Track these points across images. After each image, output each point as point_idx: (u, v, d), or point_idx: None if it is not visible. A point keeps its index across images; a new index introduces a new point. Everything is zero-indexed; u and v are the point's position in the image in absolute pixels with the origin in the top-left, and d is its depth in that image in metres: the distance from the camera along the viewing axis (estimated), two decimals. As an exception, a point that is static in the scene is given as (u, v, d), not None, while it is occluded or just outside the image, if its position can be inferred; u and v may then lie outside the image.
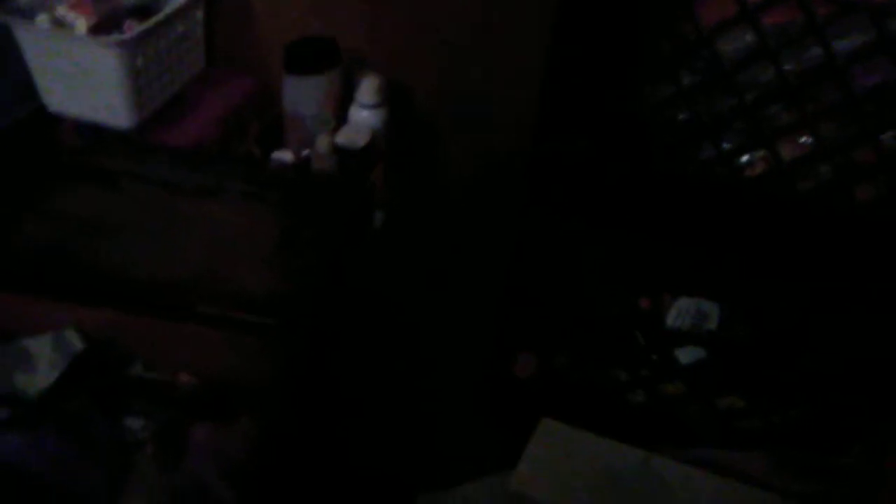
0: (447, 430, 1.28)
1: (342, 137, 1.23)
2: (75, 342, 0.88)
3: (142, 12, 1.18)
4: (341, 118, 1.29)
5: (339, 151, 1.22)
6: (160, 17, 1.12)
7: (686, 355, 1.09)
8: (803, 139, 0.85)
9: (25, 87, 1.13)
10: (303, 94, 1.26)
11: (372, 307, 1.26)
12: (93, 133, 1.13)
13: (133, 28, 1.12)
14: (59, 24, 1.08)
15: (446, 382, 1.33)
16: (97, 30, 1.10)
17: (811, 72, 0.81)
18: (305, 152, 1.24)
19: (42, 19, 1.07)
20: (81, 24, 1.08)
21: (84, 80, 1.10)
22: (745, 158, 0.88)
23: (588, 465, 1.05)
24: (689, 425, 1.14)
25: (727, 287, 1.02)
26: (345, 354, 1.14)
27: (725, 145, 0.87)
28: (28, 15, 1.07)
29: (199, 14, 1.25)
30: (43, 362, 0.86)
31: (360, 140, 1.23)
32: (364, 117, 1.27)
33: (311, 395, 1.01)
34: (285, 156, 1.24)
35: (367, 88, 1.25)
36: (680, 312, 1.06)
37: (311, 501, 1.01)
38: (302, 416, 0.99)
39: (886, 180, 0.86)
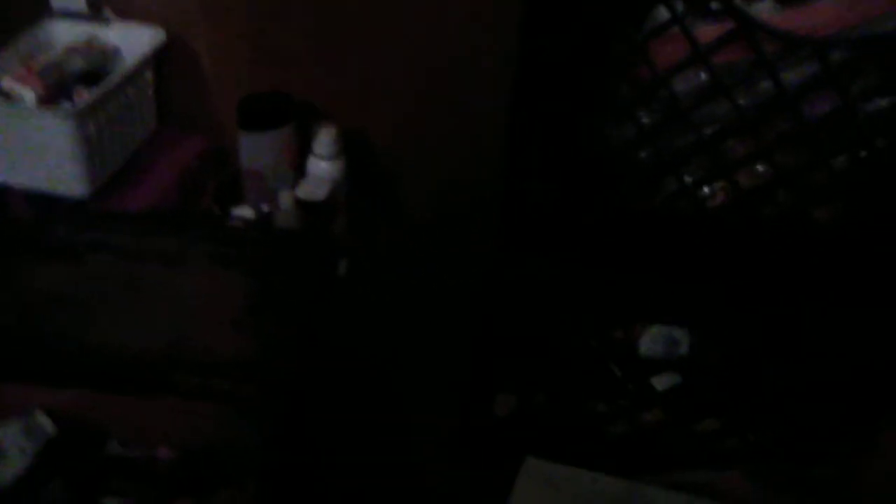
0: (429, 474, 1.27)
1: (302, 191, 1.22)
2: (46, 426, 0.86)
3: (89, 78, 1.16)
4: (299, 170, 1.29)
5: (301, 205, 1.22)
6: (110, 83, 1.10)
7: (661, 383, 1.11)
8: (760, 168, 0.89)
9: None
10: (259, 150, 1.26)
11: (343, 357, 1.25)
12: (45, 204, 1.10)
13: (83, 96, 1.11)
14: (5, 96, 1.06)
15: (425, 426, 1.32)
16: (46, 100, 1.08)
17: (764, 104, 0.84)
18: (265, 207, 1.23)
19: (-11, 92, 1.04)
20: (29, 95, 1.07)
21: (34, 150, 1.07)
22: (706, 190, 0.91)
23: (575, 500, 1.06)
24: (670, 450, 1.15)
25: (696, 314, 1.04)
26: (321, 409, 1.12)
27: (687, 179, 0.90)
28: (-28, 89, 1.05)
29: (149, 75, 1.24)
30: (13, 450, 0.83)
31: (321, 192, 1.22)
32: (322, 168, 1.26)
33: (292, 455, 0.99)
34: (245, 212, 1.23)
35: (324, 139, 1.25)
36: (653, 340, 1.08)
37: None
38: (286, 478, 0.97)
39: (841, 201, 0.90)
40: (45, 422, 0.86)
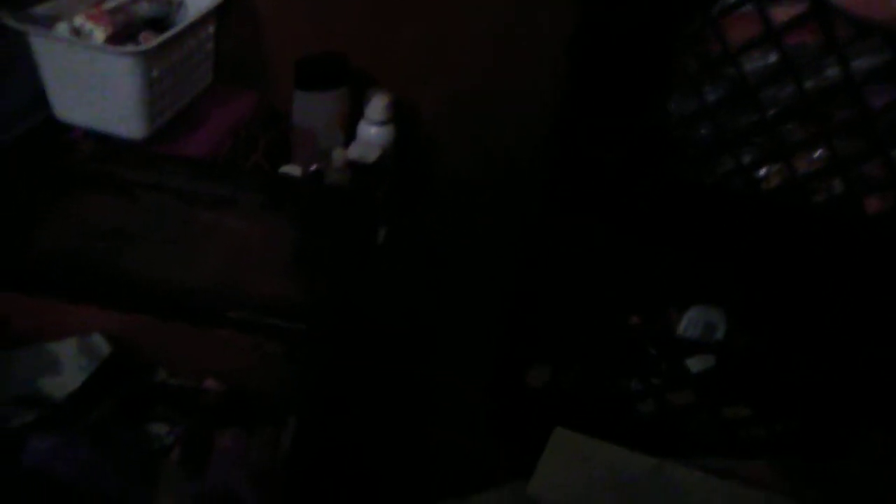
0: (458, 442, 1.28)
1: (354, 152, 1.24)
2: (102, 347, 0.87)
3: (155, 24, 1.19)
4: (349, 133, 1.31)
5: (349, 166, 1.24)
6: (177, 29, 1.12)
7: (695, 365, 1.12)
8: (817, 153, 0.90)
9: (36, 96, 1.12)
10: (312, 110, 1.28)
11: (380, 322, 1.27)
12: (103, 143, 1.13)
13: (149, 39, 1.13)
14: (76, 33, 1.08)
15: (457, 394, 1.33)
16: (113, 40, 1.10)
17: (828, 89, 0.86)
18: (313, 167, 1.25)
19: (61, 29, 1.06)
20: (99, 33, 1.09)
21: (99, 89, 1.09)
22: (762, 172, 0.92)
23: (602, 473, 1.06)
24: (697, 434, 1.16)
25: (737, 297, 1.06)
26: (358, 365, 1.14)
27: (744, 159, 0.91)
28: (46, 24, 1.07)
29: (211, 28, 1.26)
30: (69, 366, 0.85)
31: (372, 156, 1.25)
32: (372, 133, 1.29)
33: (331, 400, 1.01)
34: (293, 170, 1.25)
35: (377, 106, 1.27)
36: (690, 322, 1.09)
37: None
38: (324, 422, 0.98)
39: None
40: (101, 344, 0.87)
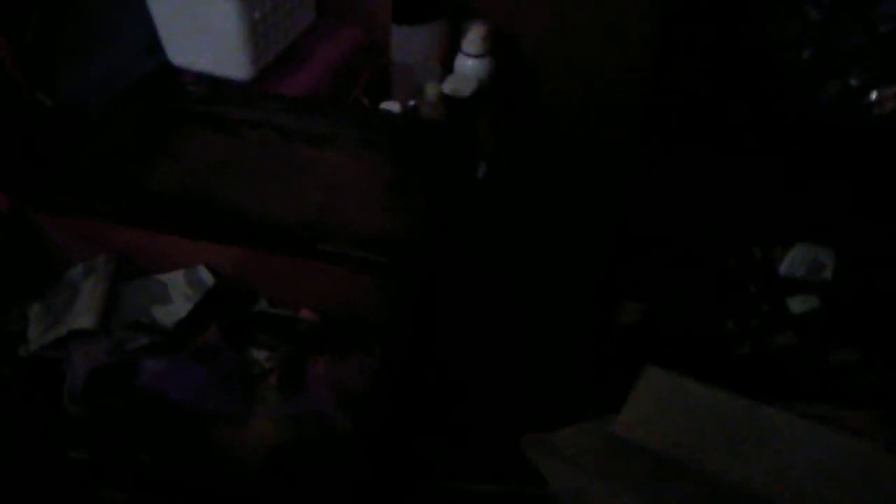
0: (547, 375, 1.30)
1: (449, 86, 1.24)
2: (207, 278, 0.94)
3: (258, -35, 1.22)
4: (447, 67, 1.31)
5: (447, 100, 1.24)
6: (277, -31, 1.15)
7: (798, 306, 1.06)
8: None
9: (151, 41, 1.19)
10: (410, 43, 1.29)
11: (474, 255, 1.29)
12: (213, 84, 1.19)
13: (251, -19, 1.16)
14: (182, -22, 1.13)
15: (549, 329, 1.34)
16: (217, -16, 1.14)
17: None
18: (412, 102, 1.26)
19: (170, -25, 1.12)
20: (204, -23, 1.13)
21: (206, 33, 1.15)
22: (872, 96, 0.84)
23: (693, 412, 1.05)
24: (797, 379, 1.12)
25: (848, 234, 0.99)
26: (450, 297, 1.17)
27: (853, 82, 0.84)
28: (155, -29, 1.13)
29: (312, -34, 1.28)
30: (178, 296, 0.93)
31: (467, 89, 1.24)
32: (470, 66, 1.28)
33: (419, 330, 1.04)
34: (393, 106, 1.27)
35: (474, 38, 1.26)
36: (794, 261, 1.03)
37: (419, 431, 1.05)
38: (410, 350, 1.02)
39: None
40: (206, 275, 0.95)
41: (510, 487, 1.07)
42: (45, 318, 0.91)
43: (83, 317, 0.89)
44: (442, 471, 1.12)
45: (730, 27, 0.84)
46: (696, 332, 1.14)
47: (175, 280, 0.94)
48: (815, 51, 0.82)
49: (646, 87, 0.97)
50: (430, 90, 1.20)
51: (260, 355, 0.94)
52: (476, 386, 1.26)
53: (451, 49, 1.30)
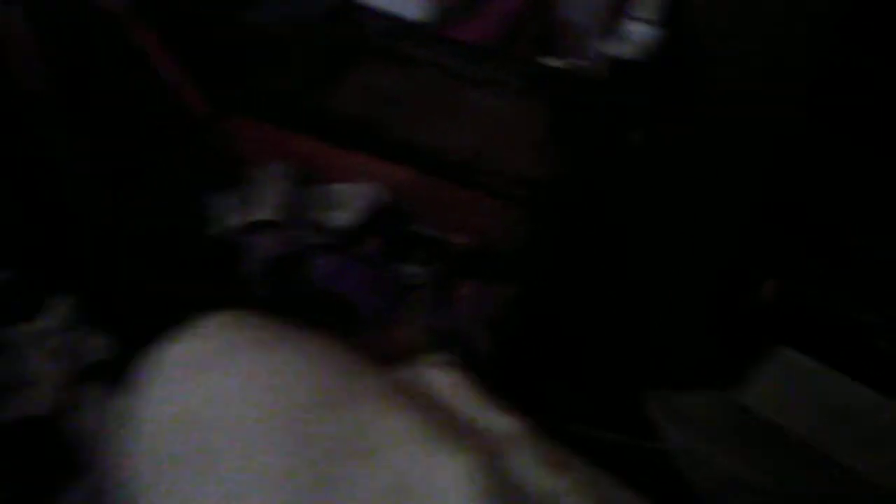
0: (676, 344, 1.31)
1: (614, 48, 1.27)
2: (377, 194, 1.03)
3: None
4: (614, 29, 1.33)
5: (609, 61, 1.27)
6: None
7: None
8: None
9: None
10: (578, 3, 1.32)
11: (613, 215, 1.31)
12: (392, 22, 1.27)
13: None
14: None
15: (682, 299, 1.34)
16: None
17: None
18: (574, 60, 1.29)
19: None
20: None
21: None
22: None
23: (821, 397, 1.04)
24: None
25: None
26: (585, 250, 1.20)
27: None
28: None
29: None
30: (352, 206, 1.02)
31: (631, 53, 1.27)
32: (637, 30, 1.30)
33: (558, 270, 1.09)
34: (554, 61, 1.31)
35: (643, 2, 1.28)
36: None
37: (547, 366, 1.10)
38: (549, 287, 1.08)
39: None
40: (376, 191, 1.04)
41: (628, 438, 1.09)
42: (233, 208, 1.02)
43: (265, 209, 1.00)
44: (561, 412, 1.16)
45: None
46: (835, 320, 1.13)
47: (350, 191, 1.03)
48: None
49: (826, 59, 0.96)
50: (595, 52, 1.23)
51: (414, 270, 1.01)
52: (598, 339, 1.29)
53: (619, 11, 1.32)
